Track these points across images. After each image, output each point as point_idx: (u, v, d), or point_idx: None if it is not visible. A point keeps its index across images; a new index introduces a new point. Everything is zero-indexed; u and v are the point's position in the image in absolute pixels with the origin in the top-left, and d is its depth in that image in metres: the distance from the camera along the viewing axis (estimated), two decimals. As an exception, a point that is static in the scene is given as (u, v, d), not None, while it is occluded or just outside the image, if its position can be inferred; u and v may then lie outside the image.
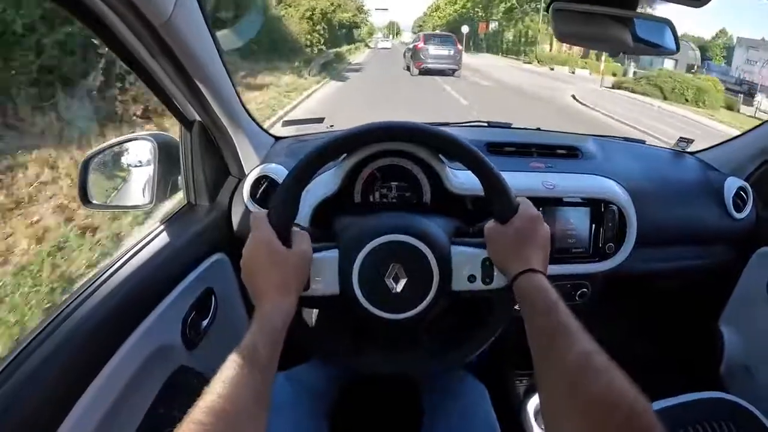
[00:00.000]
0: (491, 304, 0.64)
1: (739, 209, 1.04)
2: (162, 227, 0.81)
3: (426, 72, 12.82)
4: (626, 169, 1.00)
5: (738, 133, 1.22)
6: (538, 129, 1.24)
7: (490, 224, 0.61)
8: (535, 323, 0.50)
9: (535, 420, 1.04)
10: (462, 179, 0.81)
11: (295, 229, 0.60)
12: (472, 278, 0.62)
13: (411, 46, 14.98)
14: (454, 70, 13.19)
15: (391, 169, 0.85)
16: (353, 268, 0.60)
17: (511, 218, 0.59)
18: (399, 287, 0.60)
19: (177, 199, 0.91)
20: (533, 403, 1.07)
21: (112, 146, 0.87)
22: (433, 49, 13.02)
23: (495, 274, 0.62)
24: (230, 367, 0.44)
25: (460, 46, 13.68)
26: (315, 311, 1.27)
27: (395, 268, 0.60)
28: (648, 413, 0.38)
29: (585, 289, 0.95)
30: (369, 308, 0.60)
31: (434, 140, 0.64)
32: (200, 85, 0.72)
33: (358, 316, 0.62)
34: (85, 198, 0.84)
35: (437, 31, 14.18)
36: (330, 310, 0.88)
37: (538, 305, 0.51)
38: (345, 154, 0.77)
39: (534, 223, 0.59)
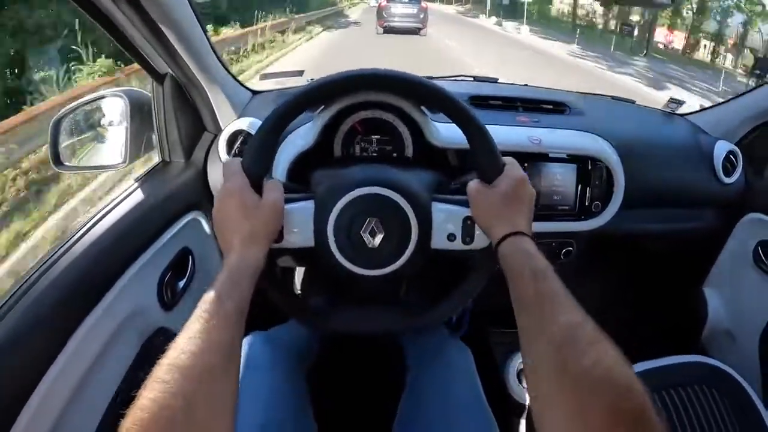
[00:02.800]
0: (471, 264, 0.62)
1: (728, 173, 1.03)
2: (135, 185, 0.78)
3: (390, 30, 13.01)
4: (614, 128, 0.97)
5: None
6: (526, 85, 1.21)
7: (473, 183, 0.58)
8: (520, 290, 0.48)
9: (518, 378, 1.05)
10: (444, 133, 0.78)
11: (268, 179, 0.57)
12: (452, 237, 0.60)
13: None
14: (419, 29, 13.36)
15: (372, 122, 0.82)
16: (328, 221, 0.57)
17: (496, 178, 0.57)
18: (375, 242, 0.58)
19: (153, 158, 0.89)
20: (515, 361, 1.07)
21: (82, 105, 0.84)
22: (396, 8, 13.14)
23: (476, 233, 0.60)
24: (195, 321, 0.42)
25: (424, 4, 13.71)
26: (300, 271, 1.26)
27: (372, 222, 0.57)
28: (639, 394, 0.36)
29: (570, 248, 0.94)
30: (343, 263, 0.58)
31: (417, 90, 0.60)
32: (170, 37, 0.69)
33: (333, 272, 0.60)
34: (57, 160, 0.81)
35: None
36: (304, 262, 0.86)
37: (524, 271, 0.48)
38: (322, 106, 0.74)
39: (520, 185, 0.57)
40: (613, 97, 1.18)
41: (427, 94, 0.60)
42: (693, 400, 0.84)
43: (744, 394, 0.86)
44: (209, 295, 0.45)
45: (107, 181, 3.31)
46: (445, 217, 0.60)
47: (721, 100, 1.21)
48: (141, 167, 0.91)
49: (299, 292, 1.26)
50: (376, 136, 0.83)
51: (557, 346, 0.40)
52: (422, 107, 0.77)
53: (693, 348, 1.19)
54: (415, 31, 13.31)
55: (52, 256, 0.61)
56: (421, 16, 13.29)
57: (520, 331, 0.46)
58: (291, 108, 0.56)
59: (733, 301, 1.13)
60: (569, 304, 0.44)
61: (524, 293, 0.47)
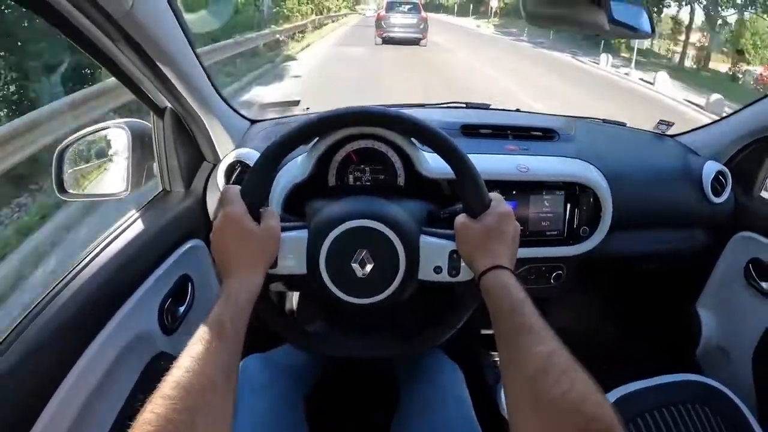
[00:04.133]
0: (457, 296, 0.64)
1: (717, 193, 1.05)
2: (137, 215, 0.81)
3: (389, 41, 12.64)
4: (603, 152, 0.99)
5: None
6: (518, 110, 1.24)
7: (460, 217, 0.61)
8: (499, 322, 0.50)
9: None
10: (434, 164, 0.81)
11: (265, 208, 0.60)
12: (438, 269, 0.62)
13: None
14: (419, 39, 12.97)
15: (365, 151, 0.84)
16: (321, 250, 0.60)
17: (482, 213, 0.59)
18: (365, 272, 0.60)
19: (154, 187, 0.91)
20: None
21: (86, 135, 0.87)
22: (396, 18, 12.86)
23: (462, 266, 0.62)
24: (197, 342, 0.45)
25: (424, 14, 13.44)
26: (295, 297, 1.28)
27: (362, 253, 0.60)
28: (609, 417, 0.37)
29: (560, 272, 0.95)
30: (334, 291, 0.61)
31: (405, 126, 0.64)
32: (168, 73, 0.72)
33: (324, 299, 0.62)
34: (61, 188, 0.83)
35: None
36: (295, 288, 0.88)
37: (503, 304, 0.50)
38: (317, 138, 0.77)
39: (505, 221, 0.59)
40: (604, 120, 1.21)
41: (416, 131, 0.63)
42: (686, 419, 0.85)
43: (737, 411, 0.87)
44: (210, 318, 0.48)
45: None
46: (433, 251, 0.62)
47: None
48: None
49: (294, 316, 1.28)
50: (369, 166, 0.86)
51: (532, 376, 0.42)
52: (412, 139, 0.80)
53: (687, 366, 1.19)
54: (415, 42, 13.02)
55: (58, 284, 0.64)
56: (422, 26, 13.03)
57: (500, 360, 0.49)
58: (289, 140, 0.60)
59: (726, 319, 1.14)
60: (544, 334, 0.46)
61: (503, 326, 0.49)
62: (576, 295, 1.14)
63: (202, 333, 0.46)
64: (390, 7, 13.07)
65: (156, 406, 0.38)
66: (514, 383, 0.45)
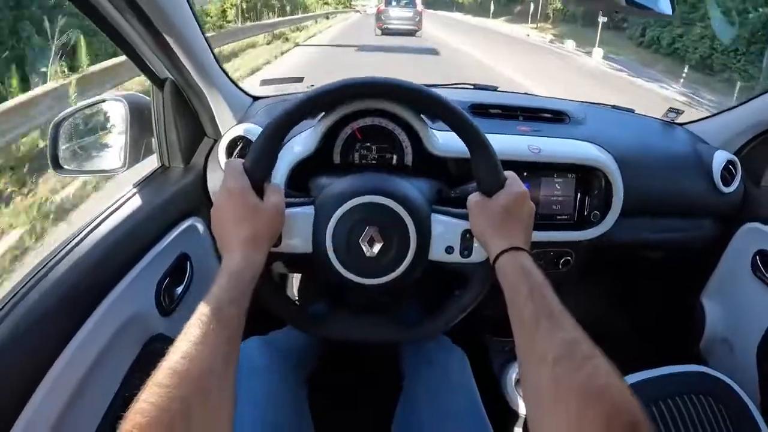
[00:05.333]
0: (468, 278, 0.62)
1: (726, 183, 1.03)
2: (134, 191, 0.78)
3: (387, 33, 14.18)
4: (614, 137, 0.98)
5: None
6: (526, 93, 1.21)
7: (473, 196, 0.58)
8: (517, 307, 0.48)
9: (515, 387, 1.05)
10: (443, 141, 0.78)
11: (268, 183, 0.57)
12: (450, 249, 0.60)
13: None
14: (414, 31, 14.53)
15: (372, 129, 0.82)
16: (327, 228, 0.57)
17: (496, 192, 0.57)
18: (374, 251, 0.58)
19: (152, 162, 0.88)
20: (513, 370, 1.07)
21: (82, 109, 0.84)
22: (393, 12, 14.48)
23: (474, 247, 0.60)
24: (194, 325, 0.42)
25: (419, 8, 15.00)
26: (296, 279, 1.26)
27: (371, 231, 0.57)
28: (632, 409, 0.36)
29: (569, 257, 0.94)
30: (341, 270, 0.58)
31: (418, 99, 0.60)
32: (170, 42, 0.69)
33: (330, 279, 0.60)
34: (56, 164, 0.81)
35: None
36: (296, 268, 0.86)
37: (521, 287, 0.48)
38: (323, 113, 0.74)
39: (520, 200, 0.56)
40: (613, 106, 1.19)
41: (430, 104, 0.59)
42: (690, 410, 0.84)
43: (741, 403, 0.86)
44: (208, 299, 0.45)
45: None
46: (444, 229, 0.60)
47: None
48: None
49: (296, 298, 1.26)
50: (375, 144, 0.83)
51: (553, 362, 0.41)
52: (422, 116, 0.77)
53: (691, 357, 1.19)
54: (411, 33, 14.37)
55: (50, 260, 0.61)
56: (417, 19, 14.53)
57: (517, 346, 0.46)
58: (295, 113, 0.56)
59: (732, 310, 1.13)
60: (566, 321, 0.44)
61: (521, 310, 0.47)
62: (583, 283, 1.12)
63: (199, 315, 0.43)
64: (388, 2, 14.59)
65: (150, 394, 0.36)
66: (533, 369, 0.43)
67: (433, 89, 0.59)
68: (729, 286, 1.13)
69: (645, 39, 13.49)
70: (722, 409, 0.85)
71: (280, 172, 0.76)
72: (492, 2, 28.76)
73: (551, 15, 20.90)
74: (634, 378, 0.88)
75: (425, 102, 0.59)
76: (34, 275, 0.58)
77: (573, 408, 0.37)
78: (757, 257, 1.04)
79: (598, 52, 11.77)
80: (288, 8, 17.84)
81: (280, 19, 14.64)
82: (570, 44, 14.20)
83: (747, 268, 1.06)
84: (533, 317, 0.45)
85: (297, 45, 11.49)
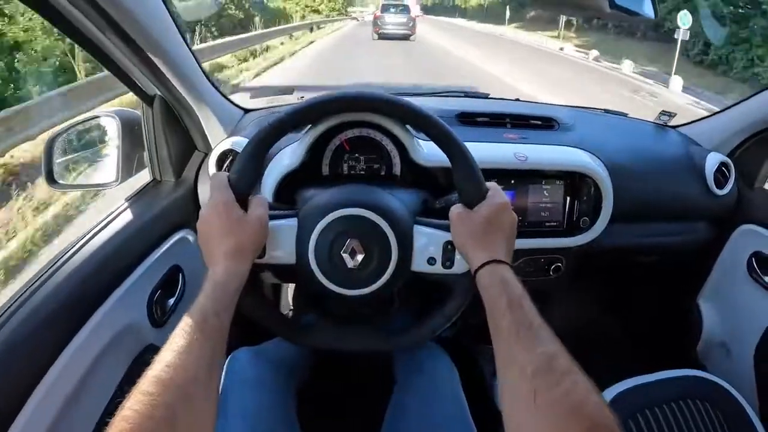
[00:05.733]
0: (450, 288, 0.62)
1: (720, 185, 1.03)
2: (126, 205, 0.79)
3: (383, 37, 15.17)
4: (604, 142, 0.97)
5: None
6: (517, 99, 1.21)
7: (455, 207, 0.59)
8: (496, 318, 0.48)
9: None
10: (429, 152, 0.79)
11: (254, 195, 0.58)
12: (432, 261, 0.60)
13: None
14: (408, 35, 15.48)
15: (360, 140, 0.82)
16: (310, 240, 0.58)
17: (478, 204, 0.57)
18: (355, 263, 0.58)
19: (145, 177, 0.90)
20: None
21: (76, 125, 0.86)
22: (389, 18, 15.48)
23: (456, 258, 0.60)
24: (179, 335, 0.43)
25: (413, 14, 16.20)
26: (291, 289, 1.27)
27: (352, 243, 0.58)
28: (610, 422, 0.37)
29: (559, 264, 0.94)
30: (323, 281, 0.59)
31: (400, 112, 0.62)
32: (155, 60, 0.70)
33: (314, 290, 0.60)
34: (51, 178, 0.82)
35: (392, 2, 15.86)
36: (285, 278, 0.87)
37: (501, 300, 0.49)
38: (309, 125, 0.75)
39: (502, 211, 0.57)
40: (605, 111, 1.19)
41: (410, 116, 0.61)
42: (687, 415, 0.84)
43: (739, 407, 0.85)
44: (193, 310, 0.46)
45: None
46: (427, 241, 0.60)
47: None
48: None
49: (291, 308, 1.26)
50: (363, 155, 0.84)
51: (532, 375, 0.41)
52: (407, 126, 0.78)
53: (688, 362, 1.18)
54: (405, 37, 15.28)
55: (43, 273, 0.63)
56: (410, 24, 15.53)
57: (497, 358, 0.47)
58: (278, 126, 0.58)
59: (728, 313, 1.12)
60: (544, 334, 0.44)
61: (500, 321, 0.48)
62: (575, 289, 1.12)
63: (184, 326, 0.44)
64: (384, 9, 15.73)
65: (135, 402, 0.37)
66: (512, 382, 0.43)
67: (418, 99, 0.60)
68: (725, 289, 1.12)
69: (708, 58, 10.28)
70: (719, 415, 0.84)
71: (268, 185, 0.77)
72: (507, 7, 25.50)
73: (574, 22, 16.79)
74: (630, 383, 0.88)
75: (407, 114, 0.61)
76: (29, 287, 0.60)
77: (552, 422, 0.38)
78: (753, 259, 1.03)
79: (676, 81, 8.30)
80: (258, 20, 14.98)
81: (225, 40, 10.01)
82: (627, 66, 10.31)
83: (743, 270, 1.05)
84: (512, 328, 0.46)
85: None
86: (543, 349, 0.43)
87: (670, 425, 0.82)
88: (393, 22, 15.35)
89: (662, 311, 1.32)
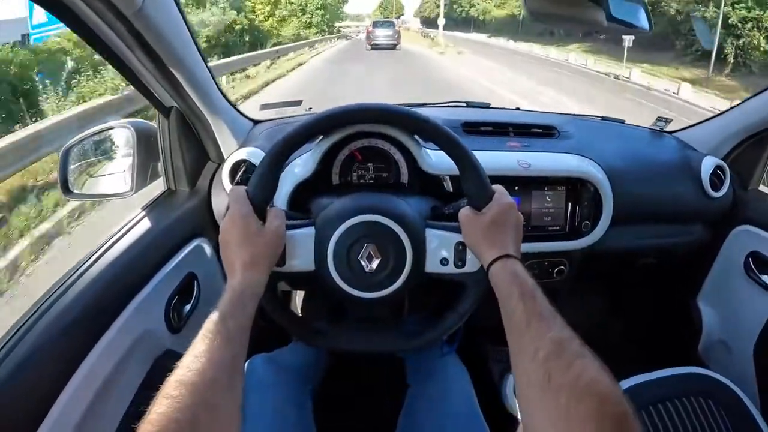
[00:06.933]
0: (464, 287, 0.65)
1: (716, 188, 1.05)
2: (142, 214, 0.81)
3: (375, 47, 19.39)
4: (603, 148, 1.01)
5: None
6: (518, 109, 1.25)
7: (464, 210, 0.61)
8: (510, 310, 0.50)
9: (514, 394, 1.06)
10: (436, 160, 0.81)
11: (271, 206, 0.61)
12: (444, 261, 0.63)
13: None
14: (395, 45, 19.87)
15: (369, 150, 0.85)
16: (328, 246, 0.61)
17: (485, 206, 0.60)
18: (372, 267, 0.61)
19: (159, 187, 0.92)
20: (512, 378, 1.07)
21: (91, 135, 0.88)
22: (379, 32, 20.13)
23: (468, 258, 0.62)
24: (200, 341, 0.45)
25: (398, 28, 21.02)
26: (300, 294, 1.29)
27: (369, 248, 0.61)
28: (621, 402, 0.38)
29: (563, 267, 0.96)
30: (342, 286, 0.61)
31: (408, 122, 0.64)
32: (175, 73, 0.73)
33: (332, 294, 0.63)
34: (66, 188, 0.84)
35: (381, 19, 22.30)
36: (306, 286, 0.89)
37: (513, 291, 0.51)
38: (321, 136, 0.78)
39: (508, 211, 0.60)
40: (603, 118, 1.22)
41: (419, 126, 0.64)
42: (689, 412, 0.85)
43: (740, 404, 0.87)
44: (213, 317, 0.48)
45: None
46: (438, 243, 0.63)
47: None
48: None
49: (300, 314, 1.28)
50: (372, 164, 0.87)
51: (543, 359, 0.43)
52: (415, 136, 0.80)
53: (690, 361, 1.20)
54: (392, 47, 19.35)
55: (64, 282, 0.65)
56: (396, 36, 20.06)
57: (510, 348, 0.49)
58: (294, 138, 0.61)
59: (727, 312, 1.14)
60: (556, 321, 0.46)
61: (513, 313, 0.50)
62: (579, 291, 1.14)
63: (205, 332, 0.46)
64: (375, 26, 21.02)
65: (159, 406, 0.39)
66: (525, 369, 0.45)
67: (423, 110, 0.63)
68: (724, 289, 1.15)
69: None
70: (722, 411, 0.86)
71: (282, 194, 0.79)
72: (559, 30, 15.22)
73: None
74: (633, 381, 0.89)
75: (415, 124, 0.64)
76: (51, 295, 0.62)
77: (563, 402, 0.39)
78: (750, 259, 1.06)
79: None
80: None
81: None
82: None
83: (740, 270, 1.08)
84: (524, 317, 0.48)
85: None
86: (554, 335, 0.44)
87: (674, 422, 0.83)
88: (382, 34, 19.83)
89: (663, 311, 1.34)
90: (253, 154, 0.88)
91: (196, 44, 0.76)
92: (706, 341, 1.18)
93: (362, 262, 0.61)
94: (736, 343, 1.11)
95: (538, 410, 0.42)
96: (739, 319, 1.10)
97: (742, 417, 0.85)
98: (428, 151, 0.82)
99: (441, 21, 25.49)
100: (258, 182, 0.59)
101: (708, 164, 1.06)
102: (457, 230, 0.62)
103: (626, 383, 0.88)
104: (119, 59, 0.67)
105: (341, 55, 18.17)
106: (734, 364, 1.10)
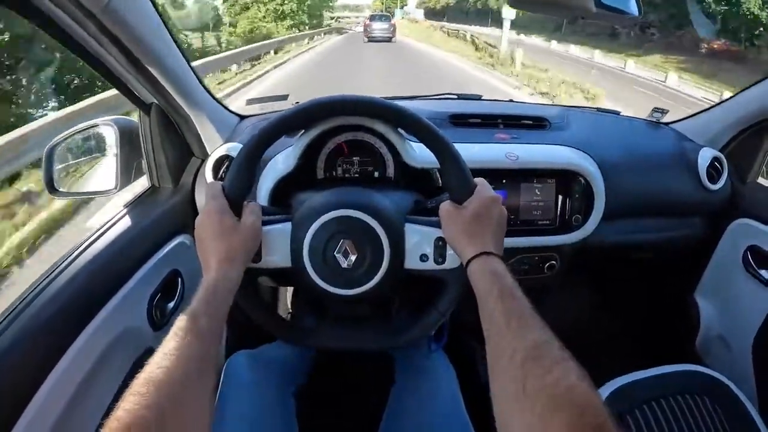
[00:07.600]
0: (444, 284, 0.63)
1: (713, 180, 1.03)
2: (125, 211, 0.81)
3: (372, 40, 20.35)
4: (596, 140, 0.98)
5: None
6: (510, 101, 1.23)
7: (445, 204, 0.60)
8: (488, 310, 0.49)
9: None
10: (420, 153, 0.80)
11: (248, 202, 0.60)
12: (424, 257, 0.61)
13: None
14: (390, 37, 20.79)
15: (356, 143, 0.84)
16: (304, 242, 0.60)
17: (467, 199, 0.58)
18: (349, 263, 0.60)
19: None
20: None
21: (75, 133, 0.87)
22: (375, 25, 21.09)
23: (448, 253, 0.61)
24: (171, 338, 0.45)
25: (394, 21, 22.60)
26: (290, 292, 1.28)
27: (345, 244, 0.59)
28: (599, 412, 0.36)
29: (554, 262, 0.94)
30: (319, 283, 0.60)
31: (388, 114, 0.63)
32: (151, 69, 0.71)
33: (312, 291, 0.61)
34: (51, 186, 0.84)
35: (378, 13, 23.83)
36: (283, 282, 0.88)
37: (492, 290, 0.50)
38: (302, 131, 0.77)
39: (491, 206, 0.58)
40: (598, 109, 1.20)
41: (398, 118, 0.62)
42: (685, 409, 0.84)
43: (737, 401, 0.85)
44: (185, 314, 0.47)
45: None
46: (418, 238, 0.61)
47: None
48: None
49: (290, 311, 1.27)
50: (357, 158, 0.85)
51: (521, 362, 0.41)
52: (398, 129, 0.79)
53: (687, 356, 1.18)
54: (387, 39, 20.45)
55: (45, 278, 0.64)
56: (391, 29, 20.97)
57: (488, 347, 0.47)
58: (266, 135, 0.59)
59: (725, 307, 1.12)
60: (535, 323, 0.45)
61: (491, 312, 0.48)
62: (572, 286, 1.12)
63: (176, 329, 0.46)
64: (372, 19, 21.92)
65: (126, 402, 0.38)
66: (501, 371, 0.43)
67: (412, 102, 0.61)
68: (722, 283, 1.12)
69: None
70: (718, 408, 0.84)
71: (263, 190, 0.78)
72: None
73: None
74: (629, 378, 0.88)
75: (394, 115, 0.62)
76: (30, 292, 0.61)
77: (538, 410, 0.37)
78: (749, 253, 1.04)
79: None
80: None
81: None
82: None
83: (739, 264, 1.05)
84: (503, 317, 0.46)
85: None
86: (534, 337, 0.43)
87: (669, 420, 0.82)
88: (379, 27, 20.74)
89: (659, 307, 1.32)
90: (236, 149, 0.87)
91: (174, 39, 0.75)
92: (704, 337, 1.16)
93: (338, 258, 0.59)
94: (735, 338, 1.09)
95: (514, 417, 0.40)
96: (737, 314, 1.08)
97: (739, 415, 0.84)
98: (412, 144, 0.81)
99: (508, 13, 11.89)
100: (233, 177, 0.58)
101: (705, 156, 1.03)
102: (438, 225, 0.60)
103: (622, 380, 0.87)
104: (93, 57, 0.66)
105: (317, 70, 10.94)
106: (732, 359, 1.08)
